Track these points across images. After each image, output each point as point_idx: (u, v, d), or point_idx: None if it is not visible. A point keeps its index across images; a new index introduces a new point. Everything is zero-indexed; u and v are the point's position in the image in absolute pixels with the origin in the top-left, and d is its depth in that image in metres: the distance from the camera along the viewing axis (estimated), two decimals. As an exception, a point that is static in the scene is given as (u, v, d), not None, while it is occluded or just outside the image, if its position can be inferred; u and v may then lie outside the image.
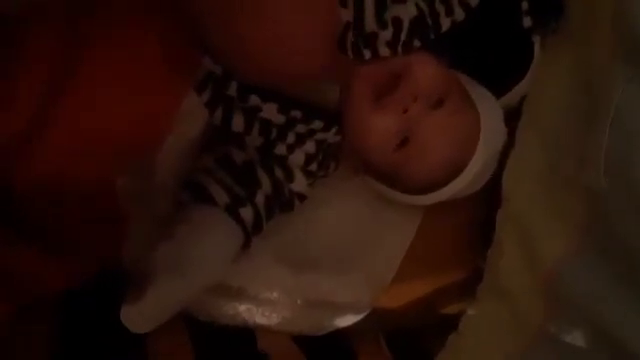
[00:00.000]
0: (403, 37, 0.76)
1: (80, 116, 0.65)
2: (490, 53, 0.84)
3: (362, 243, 0.88)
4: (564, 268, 0.80)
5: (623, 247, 0.75)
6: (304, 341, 0.86)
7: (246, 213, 0.74)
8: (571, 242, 0.80)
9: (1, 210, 0.67)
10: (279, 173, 0.78)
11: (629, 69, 0.75)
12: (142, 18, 0.67)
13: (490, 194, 0.86)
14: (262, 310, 0.84)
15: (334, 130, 0.79)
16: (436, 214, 0.88)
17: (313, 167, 0.80)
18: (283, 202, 0.79)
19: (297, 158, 0.78)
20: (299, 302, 0.86)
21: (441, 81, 0.77)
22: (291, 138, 0.77)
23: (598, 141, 0.76)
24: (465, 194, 0.83)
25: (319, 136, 0.78)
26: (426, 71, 0.76)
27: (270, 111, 0.75)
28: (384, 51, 0.77)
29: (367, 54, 0.77)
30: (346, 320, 0.88)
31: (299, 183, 0.80)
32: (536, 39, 0.86)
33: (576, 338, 0.80)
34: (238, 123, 0.75)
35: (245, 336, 0.84)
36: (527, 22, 0.84)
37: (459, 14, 0.78)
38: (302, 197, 0.81)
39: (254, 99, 0.74)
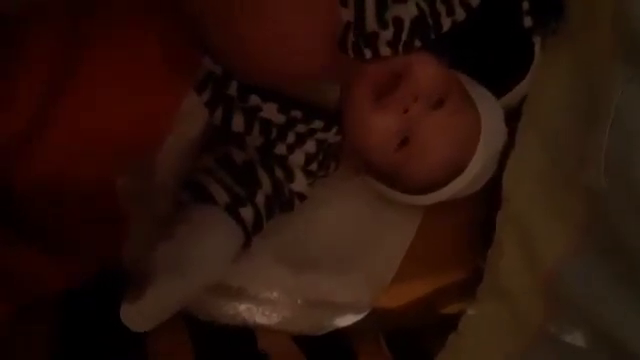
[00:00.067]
0: (404, 37, 0.76)
1: (80, 116, 0.65)
2: (491, 53, 0.84)
3: (362, 243, 0.88)
4: (564, 268, 0.80)
5: (623, 247, 0.75)
6: (304, 341, 0.86)
7: (246, 213, 0.74)
8: (571, 242, 0.80)
9: (1, 210, 0.66)
10: (279, 173, 0.78)
11: (629, 69, 0.75)
12: (142, 18, 0.67)
13: (490, 194, 0.86)
14: (262, 310, 0.84)
15: (334, 130, 0.79)
16: (436, 214, 0.88)
17: (313, 167, 0.80)
18: (283, 202, 0.79)
19: (297, 158, 0.78)
20: (299, 302, 0.86)
21: (441, 81, 0.77)
22: (291, 138, 0.77)
23: (598, 141, 0.76)
24: (465, 194, 0.83)
25: (319, 136, 0.78)
26: (427, 71, 0.76)
27: (270, 111, 0.75)
28: (385, 51, 0.77)
29: (368, 54, 0.77)
30: (346, 320, 0.88)
31: (299, 183, 0.80)
32: (536, 39, 0.86)
33: (576, 338, 0.80)
34: (238, 123, 0.75)
35: (245, 336, 0.84)
36: (528, 22, 0.84)
37: (460, 14, 0.78)
38: (302, 197, 0.81)
39: (254, 99, 0.74)
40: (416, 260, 0.89)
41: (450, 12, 0.77)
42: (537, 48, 0.86)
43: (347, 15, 0.76)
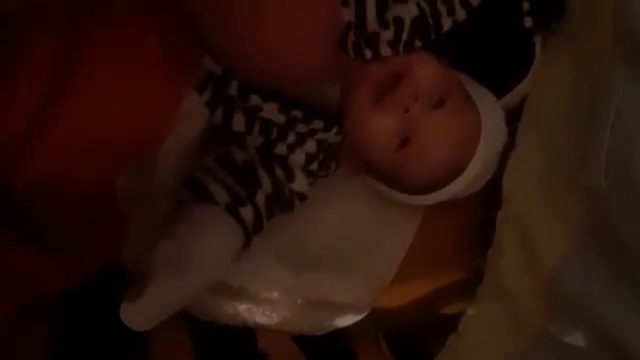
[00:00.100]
0: (404, 37, 0.76)
1: (80, 116, 0.65)
2: (491, 53, 0.84)
3: (362, 243, 0.88)
4: (564, 268, 0.80)
5: (623, 247, 0.75)
6: (304, 341, 0.86)
7: (246, 212, 0.74)
8: (571, 242, 0.80)
9: (1, 210, 0.66)
10: (279, 173, 0.78)
11: (629, 70, 0.75)
12: (142, 18, 0.67)
13: (490, 194, 0.86)
14: (262, 310, 0.85)
15: (335, 130, 0.79)
16: (436, 214, 0.88)
17: (314, 167, 0.80)
18: (283, 202, 0.79)
19: (298, 158, 0.78)
20: (299, 302, 0.86)
21: (442, 81, 0.77)
22: (292, 138, 0.77)
23: (599, 141, 0.76)
24: (465, 194, 0.83)
25: (320, 136, 0.78)
26: (427, 71, 0.76)
27: (271, 111, 0.75)
28: (385, 51, 0.77)
29: (368, 54, 0.77)
30: (346, 320, 0.88)
31: (299, 183, 0.80)
32: (537, 39, 0.86)
33: (576, 338, 0.80)
34: (239, 123, 0.75)
35: (245, 336, 0.84)
36: (528, 22, 0.84)
37: (460, 14, 0.77)
38: (302, 197, 0.81)
39: (255, 99, 0.73)
40: (416, 260, 0.89)
41: (451, 12, 0.77)
42: (538, 48, 0.86)
43: (348, 15, 0.76)
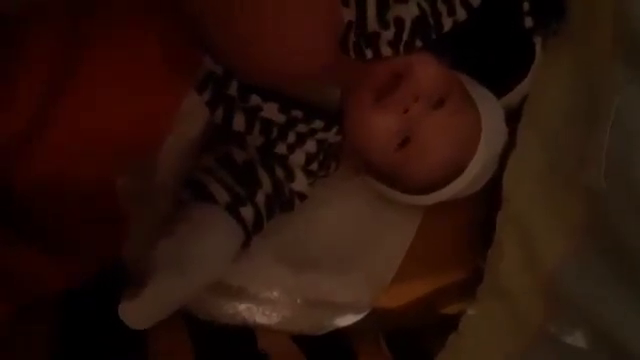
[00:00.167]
0: (405, 37, 0.76)
1: (80, 116, 0.65)
2: (491, 53, 0.84)
3: (362, 243, 0.88)
4: (564, 268, 0.80)
5: (623, 247, 0.75)
6: (304, 341, 0.86)
7: (246, 212, 0.74)
8: (571, 242, 0.80)
9: (1, 210, 0.66)
10: (280, 172, 0.78)
11: (629, 70, 0.75)
12: (142, 18, 0.67)
13: (490, 194, 0.86)
14: (262, 309, 0.85)
15: (335, 130, 0.79)
16: (436, 214, 0.88)
17: (314, 167, 0.80)
18: (283, 201, 0.79)
19: (298, 158, 0.78)
20: (299, 302, 0.86)
21: (442, 81, 0.77)
22: (292, 138, 0.77)
23: (599, 141, 0.76)
24: (465, 194, 0.83)
25: (320, 136, 0.78)
26: (427, 71, 0.76)
27: (271, 111, 0.75)
28: (386, 51, 0.77)
29: (369, 54, 0.77)
30: (346, 320, 0.88)
31: (300, 183, 0.80)
32: (537, 40, 0.86)
33: (576, 338, 0.80)
34: (239, 123, 0.75)
35: (245, 335, 0.84)
36: (528, 23, 0.84)
37: (461, 14, 0.77)
38: (302, 197, 0.81)
39: (255, 99, 0.73)
40: (416, 260, 0.89)
41: (451, 12, 0.77)
42: (538, 48, 0.86)
43: (348, 15, 0.76)
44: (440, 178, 0.80)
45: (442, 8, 0.77)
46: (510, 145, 0.85)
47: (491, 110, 0.81)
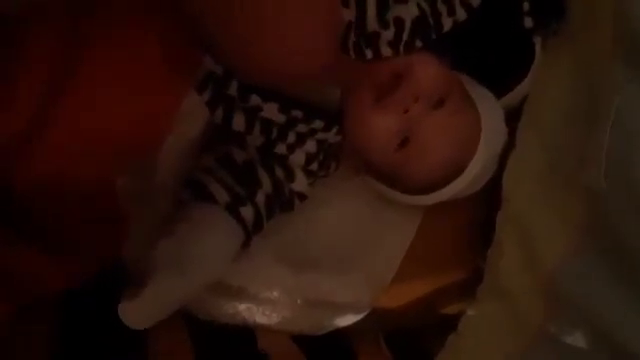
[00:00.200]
0: (405, 37, 0.76)
1: (80, 116, 0.65)
2: (491, 53, 0.84)
3: (362, 243, 0.88)
4: (564, 268, 0.80)
5: (623, 247, 0.75)
6: (304, 341, 0.86)
7: (246, 212, 0.74)
8: (571, 242, 0.80)
9: (1, 210, 0.66)
10: (280, 173, 0.78)
11: (629, 70, 0.75)
12: (142, 18, 0.67)
13: (490, 194, 0.86)
14: (262, 309, 0.85)
15: (335, 130, 0.79)
16: (436, 214, 0.88)
17: (314, 167, 0.80)
18: (283, 201, 0.79)
19: (298, 158, 0.78)
20: (299, 302, 0.86)
21: (442, 81, 0.77)
22: (292, 138, 0.77)
23: (599, 141, 0.76)
24: (465, 194, 0.83)
25: (320, 136, 0.78)
26: (427, 71, 0.76)
27: (271, 111, 0.75)
28: (386, 51, 0.77)
29: (369, 54, 0.77)
30: (346, 320, 0.88)
31: (300, 183, 0.80)
32: (537, 40, 0.86)
33: (576, 338, 0.80)
34: (239, 123, 0.75)
35: (245, 335, 0.84)
36: (528, 23, 0.84)
37: (461, 14, 0.78)
38: (302, 197, 0.81)
39: (255, 99, 0.73)
40: (416, 260, 0.89)
41: (451, 12, 0.77)
42: (538, 48, 0.86)
43: (348, 15, 0.76)
44: (440, 178, 0.80)
45: (442, 8, 0.77)
46: (510, 145, 0.85)
47: (491, 110, 0.81)
